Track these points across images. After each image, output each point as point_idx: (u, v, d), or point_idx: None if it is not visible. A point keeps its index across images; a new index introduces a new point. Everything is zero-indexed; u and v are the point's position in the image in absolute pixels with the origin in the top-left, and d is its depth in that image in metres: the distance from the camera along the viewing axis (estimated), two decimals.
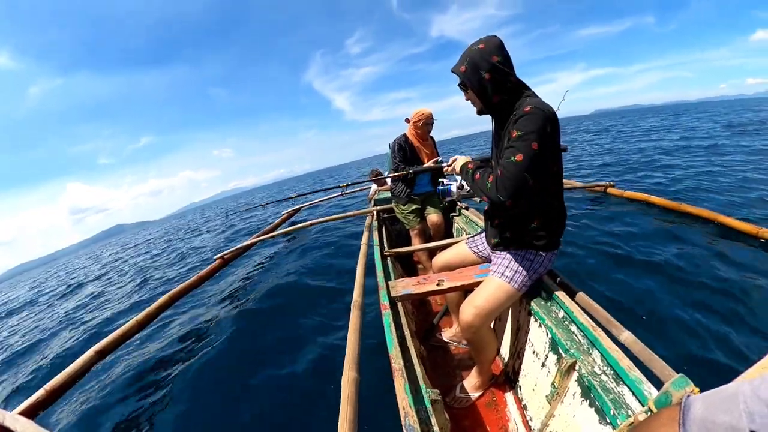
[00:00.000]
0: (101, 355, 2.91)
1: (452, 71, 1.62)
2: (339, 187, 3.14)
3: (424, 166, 3.06)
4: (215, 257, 4.88)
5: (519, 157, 1.35)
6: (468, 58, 1.51)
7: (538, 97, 1.53)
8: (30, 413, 2.26)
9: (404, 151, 3.21)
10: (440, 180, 3.04)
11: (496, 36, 1.50)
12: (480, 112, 1.66)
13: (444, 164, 2.09)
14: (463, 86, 1.62)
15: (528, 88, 1.56)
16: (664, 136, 14.01)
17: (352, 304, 2.01)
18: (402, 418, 1.16)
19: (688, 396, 0.52)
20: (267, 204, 4.76)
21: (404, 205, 3.40)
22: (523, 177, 1.35)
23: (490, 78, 1.48)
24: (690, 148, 9.83)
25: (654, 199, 4.78)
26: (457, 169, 1.81)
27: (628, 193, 5.26)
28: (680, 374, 1.06)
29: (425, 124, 3.22)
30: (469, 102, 1.67)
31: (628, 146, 12.37)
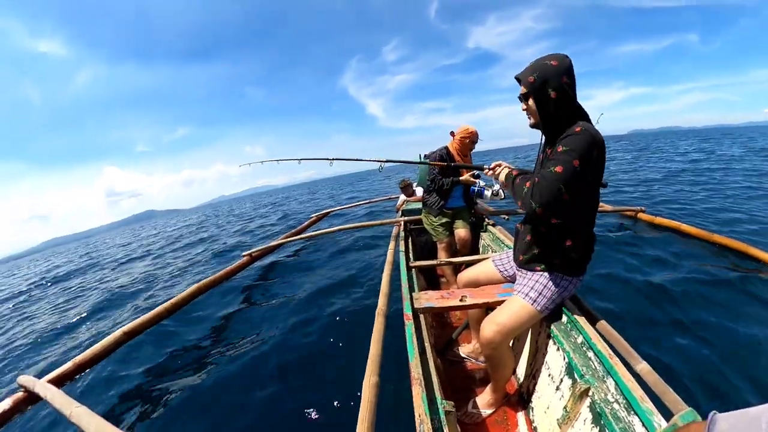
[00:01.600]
0: (129, 336, 3.06)
1: (517, 78, 1.62)
2: (379, 161, 3.13)
3: (465, 172, 3.07)
4: (243, 254, 4.99)
5: (559, 169, 1.39)
6: (538, 70, 1.51)
7: (591, 123, 1.56)
8: (58, 382, 2.43)
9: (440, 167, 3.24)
10: (476, 181, 3.04)
11: (567, 56, 1.52)
12: (534, 126, 1.68)
13: (486, 167, 2.12)
14: (525, 96, 1.62)
15: (586, 115, 1.59)
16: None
17: (376, 312, 2.05)
18: (417, 425, 1.21)
19: (715, 413, 0.56)
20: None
21: (435, 217, 3.43)
22: (558, 188, 1.38)
23: (556, 97, 1.51)
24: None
25: (685, 227, 4.67)
26: (501, 177, 1.84)
27: (659, 220, 5.15)
28: (690, 408, 1.08)
29: (471, 141, 3.26)
30: (525, 113, 1.67)
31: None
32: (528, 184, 1.49)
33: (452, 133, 3.34)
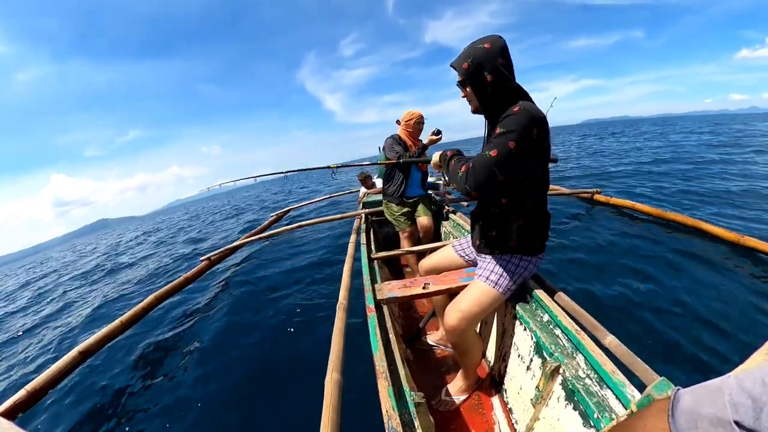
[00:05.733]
0: (84, 355, 2.86)
1: (452, 66, 1.59)
2: (330, 167, 3.11)
3: (419, 162, 3.08)
4: (201, 259, 4.81)
5: (494, 153, 1.37)
6: (472, 55, 1.48)
7: (533, 102, 1.53)
8: (10, 414, 2.23)
9: (400, 147, 3.22)
10: (429, 173, 3.05)
11: (501, 37, 1.49)
12: (475, 111, 1.66)
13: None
14: (462, 83, 1.60)
15: (527, 94, 1.56)
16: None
17: (337, 306, 2.01)
18: (385, 421, 1.15)
19: (678, 389, 0.54)
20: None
21: (396, 207, 3.41)
22: (492, 171, 1.37)
23: (492, 80, 1.48)
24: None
25: (639, 206, 4.85)
26: (435, 159, 1.82)
27: (614, 200, 5.33)
28: (662, 377, 1.07)
29: (416, 123, 3.25)
30: (465, 99, 1.66)
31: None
32: (463, 168, 1.47)
33: (398, 122, 3.35)
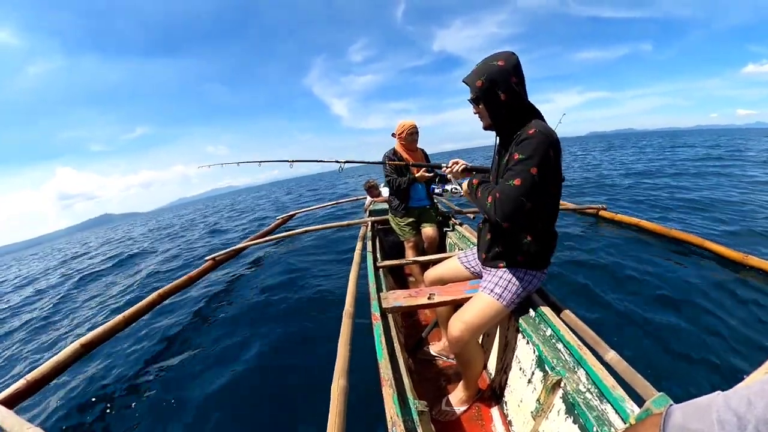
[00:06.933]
0: (86, 348, 2.91)
1: (465, 82, 1.59)
2: (338, 161, 3.13)
3: (421, 168, 3.10)
4: (206, 258, 4.86)
5: (517, 182, 1.39)
6: (486, 73, 1.48)
7: (545, 120, 1.55)
8: (9, 403, 2.26)
9: (394, 174, 3.26)
10: (430, 176, 3.07)
11: (514, 54, 1.49)
12: (487, 128, 1.67)
13: (444, 165, 2.12)
14: (475, 101, 1.60)
15: (539, 113, 1.57)
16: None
17: (343, 313, 2.02)
18: (389, 428, 1.17)
19: (671, 405, 0.56)
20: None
21: (401, 218, 3.44)
22: (520, 201, 1.39)
23: (506, 100, 1.49)
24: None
25: (644, 223, 4.84)
26: (465, 187, 1.84)
27: (620, 217, 5.32)
28: (661, 393, 1.10)
29: (409, 134, 3.26)
30: (477, 115, 1.66)
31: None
32: (490, 198, 1.49)
33: (393, 135, 3.36)
